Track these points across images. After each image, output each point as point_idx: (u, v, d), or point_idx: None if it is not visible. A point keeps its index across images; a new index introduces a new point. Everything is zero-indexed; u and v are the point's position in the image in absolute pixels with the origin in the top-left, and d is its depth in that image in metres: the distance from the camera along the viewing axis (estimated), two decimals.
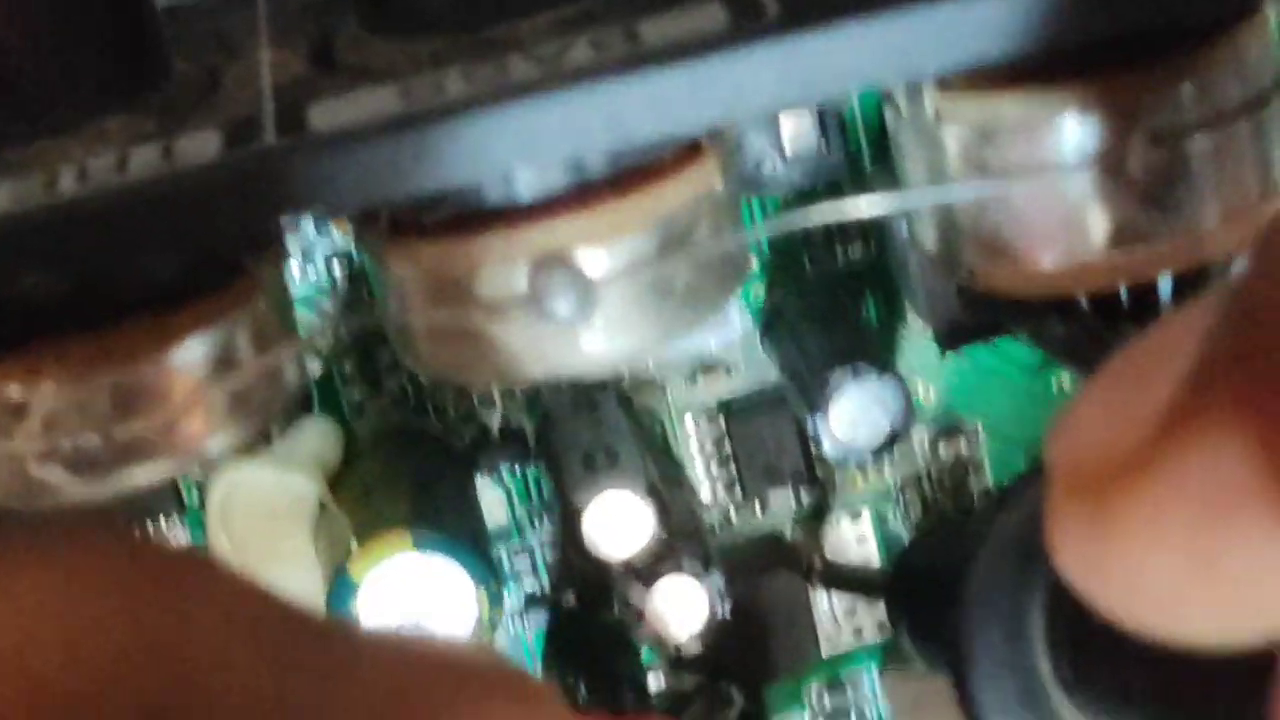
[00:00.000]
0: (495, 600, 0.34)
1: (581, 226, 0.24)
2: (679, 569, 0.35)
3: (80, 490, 0.24)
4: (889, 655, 0.43)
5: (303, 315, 0.37)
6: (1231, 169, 0.25)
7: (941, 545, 0.40)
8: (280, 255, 0.27)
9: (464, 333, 0.26)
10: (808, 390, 0.35)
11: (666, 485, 0.36)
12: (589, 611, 0.40)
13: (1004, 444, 0.41)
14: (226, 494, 0.35)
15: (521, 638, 0.41)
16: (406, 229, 0.26)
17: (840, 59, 0.22)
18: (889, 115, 0.27)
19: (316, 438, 0.37)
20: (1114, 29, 0.22)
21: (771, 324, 0.39)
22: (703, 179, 0.25)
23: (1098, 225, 0.25)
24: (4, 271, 0.22)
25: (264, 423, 0.27)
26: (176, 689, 0.13)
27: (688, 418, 0.40)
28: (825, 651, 0.42)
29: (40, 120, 0.24)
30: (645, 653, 0.40)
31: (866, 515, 0.42)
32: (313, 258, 0.37)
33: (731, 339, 0.38)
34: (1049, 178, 0.24)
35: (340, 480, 0.37)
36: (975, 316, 0.33)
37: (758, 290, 0.39)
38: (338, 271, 0.37)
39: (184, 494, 0.38)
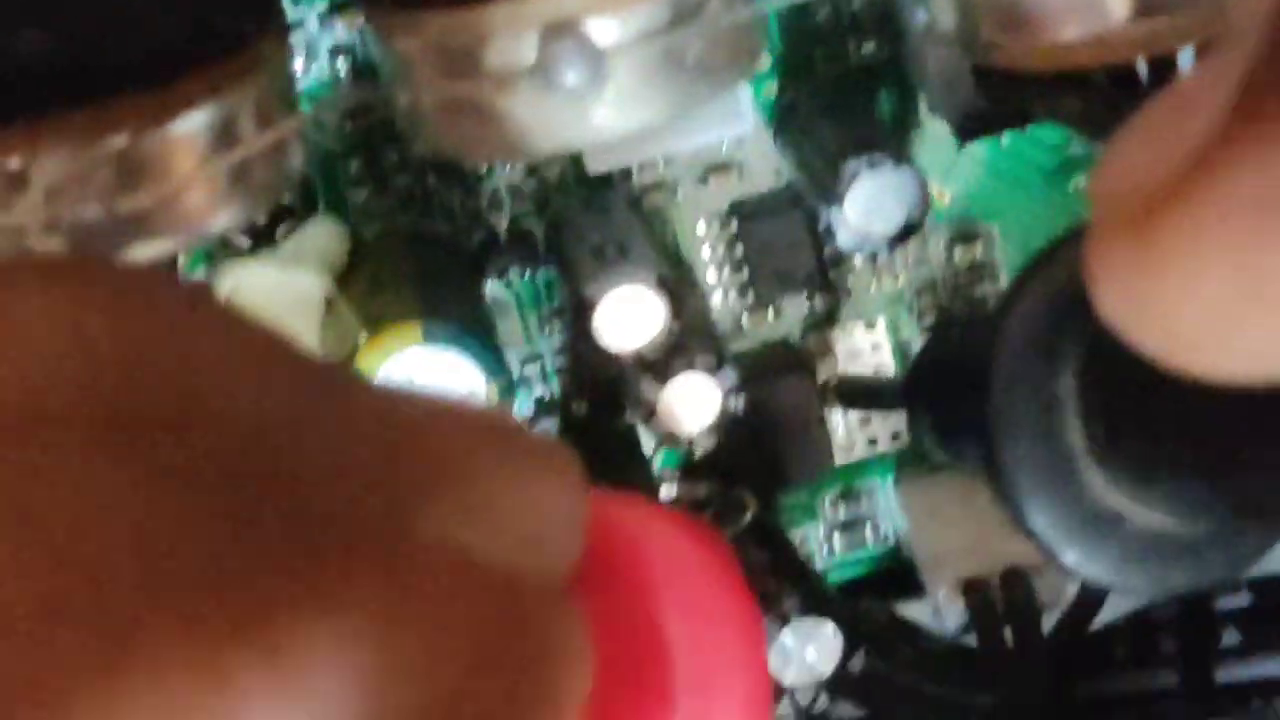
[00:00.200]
0: (505, 394, 0.33)
1: None
2: (691, 364, 0.35)
3: None
4: (904, 464, 0.43)
5: (308, 113, 0.36)
6: None
7: (966, 330, 0.39)
8: (282, 32, 0.27)
9: (472, 106, 0.25)
10: (822, 182, 0.34)
11: (678, 282, 0.35)
12: (600, 419, 0.40)
13: (1020, 248, 0.41)
14: (232, 292, 0.35)
15: None
16: (413, 1, 0.25)
17: None
18: None
19: (323, 237, 0.36)
20: None
21: (785, 120, 0.38)
22: None
23: None
24: (3, 26, 0.22)
25: (266, 204, 0.27)
26: (166, 405, 0.13)
27: (700, 221, 0.40)
28: (839, 460, 0.42)
29: None
30: (659, 458, 0.40)
31: (881, 322, 0.41)
32: (317, 54, 0.36)
33: (744, 133, 0.37)
34: None
35: (347, 280, 0.36)
36: (992, 103, 0.33)
37: (770, 88, 0.38)
38: (342, 66, 0.37)
39: None
